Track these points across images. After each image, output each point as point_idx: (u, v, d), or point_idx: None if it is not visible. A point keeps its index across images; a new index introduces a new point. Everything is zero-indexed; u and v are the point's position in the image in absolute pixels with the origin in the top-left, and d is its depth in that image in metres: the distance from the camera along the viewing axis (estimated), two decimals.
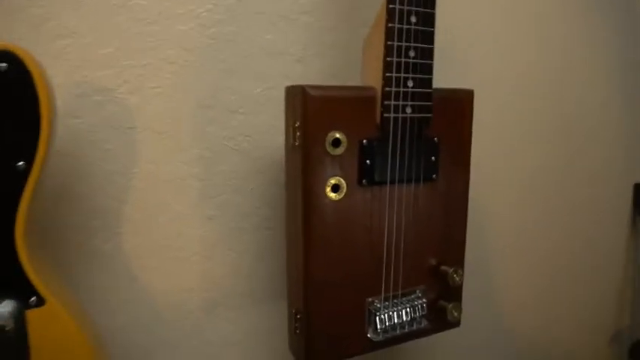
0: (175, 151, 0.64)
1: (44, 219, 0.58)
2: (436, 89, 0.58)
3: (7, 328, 0.42)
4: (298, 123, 0.53)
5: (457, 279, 0.62)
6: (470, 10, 0.83)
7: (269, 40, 0.67)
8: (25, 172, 0.42)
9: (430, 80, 0.56)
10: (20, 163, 0.42)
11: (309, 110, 0.52)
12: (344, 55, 0.71)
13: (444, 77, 0.64)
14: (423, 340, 0.66)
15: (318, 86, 0.54)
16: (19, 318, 0.44)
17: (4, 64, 0.41)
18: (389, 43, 0.53)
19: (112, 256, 0.63)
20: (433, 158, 0.60)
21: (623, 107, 1.09)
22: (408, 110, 0.56)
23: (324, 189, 0.54)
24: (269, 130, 0.69)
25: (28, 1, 0.56)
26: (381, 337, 0.59)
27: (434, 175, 0.60)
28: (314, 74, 0.70)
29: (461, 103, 0.62)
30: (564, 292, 1.09)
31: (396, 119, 0.55)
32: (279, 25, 0.68)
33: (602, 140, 1.07)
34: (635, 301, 1.19)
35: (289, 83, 0.56)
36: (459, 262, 0.65)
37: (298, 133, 0.53)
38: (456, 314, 0.64)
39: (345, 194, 0.55)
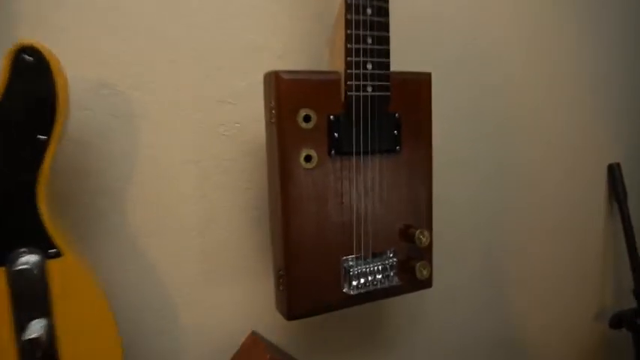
0: (172, 138, 0.74)
1: (58, 198, 0.68)
2: (397, 72, 0.67)
3: (34, 272, 0.51)
4: (273, 103, 0.62)
5: (424, 240, 0.70)
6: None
7: (251, 40, 0.77)
8: (45, 144, 0.52)
9: (387, 63, 0.65)
10: (42, 136, 0.52)
11: (282, 91, 0.62)
12: (319, 53, 0.80)
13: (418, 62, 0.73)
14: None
15: (289, 71, 0.63)
16: (41, 266, 0.53)
17: (30, 58, 0.51)
18: (348, 32, 0.62)
19: (119, 233, 0.72)
20: (395, 132, 0.68)
21: (597, 85, 1.16)
22: (369, 89, 0.65)
23: (298, 159, 0.63)
24: (255, 117, 0.78)
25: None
26: (355, 291, 0.67)
27: (397, 147, 0.69)
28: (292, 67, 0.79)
29: (419, 84, 0.71)
30: (547, 277, 1.16)
31: (358, 97, 0.64)
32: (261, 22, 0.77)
33: (576, 122, 1.14)
34: (615, 280, 1.24)
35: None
36: (426, 225, 0.72)
37: (273, 111, 0.62)
38: (425, 272, 0.71)
39: (317, 164, 0.64)
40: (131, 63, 0.71)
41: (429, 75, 0.71)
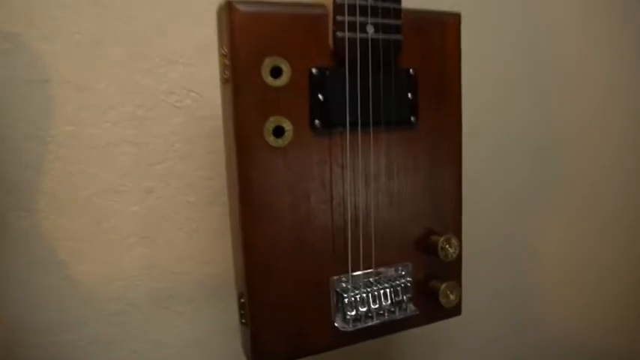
0: (101, 110, 0.54)
1: None
2: (411, 10, 0.46)
3: None
4: (225, 49, 0.42)
5: (451, 251, 0.49)
6: None
7: None
8: None
9: None
10: None
11: (237, 31, 0.41)
12: None
13: None
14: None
15: (251, 0, 0.42)
16: None
17: None
18: None
19: (29, 238, 0.52)
20: (410, 95, 0.47)
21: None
22: (370, 30, 0.43)
23: (263, 133, 0.42)
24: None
25: None
26: (352, 326, 0.46)
27: (412, 118, 0.47)
28: None
29: (443, 28, 0.49)
30: (596, 291, 0.94)
31: (353, 41, 0.43)
32: None
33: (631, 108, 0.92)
34: None
35: None
36: (453, 229, 0.51)
37: (227, 62, 0.42)
38: (452, 297, 0.50)
39: (292, 140, 0.43)
40: (41, 4, 0.51)
41: (457, 16, 0.50)
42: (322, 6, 0.43)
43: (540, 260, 0.86)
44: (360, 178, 0.46)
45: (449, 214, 0.51)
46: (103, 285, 0.55)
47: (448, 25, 0.49)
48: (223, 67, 0.43)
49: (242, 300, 0.45)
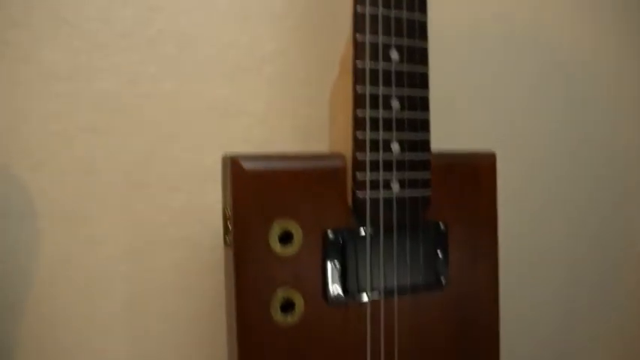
0: (92, 244, 0.48)
1: None
2: (438, 153, 0.41)
3: None
4: (230, 211, 0.36)
5: None
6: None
7: (222, 97, 0.52)
8: None
9: (427, 142, 0.39)
10: None
11: (242, 192, 0.35)
12: (317, 114, 0.54)
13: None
14: None
15: (257, 156, 0.37)
16: None
17: None
18: (359, 89, 0.36)
19: None
20: (440, 253, 0.41)
21: None
22: (395, 187, 0.38)
23: (269, 309, 0.36)
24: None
25: None
26: None
27: (442, 278, 0.41)
28: (280, 138, 0.54)
29: (478, 171, 0.43)
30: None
31: (375, 202, 0.37)
32: (235, 78, 0.53)
33: None
34: None
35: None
36: None
37: (230, 226, 0.36)
38: None
39: (303, 315, 0.37)
40: (30, 135, 0.47)
41: (491, 157, 0.44)
42: (340, 157, 0.38)
43: None
44: (380, 352, 0.39)
45: None
46: None
47: (482, 169, 0.43)
48: (226, 230, 0.37)
49: None
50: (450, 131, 0.56)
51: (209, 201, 0.51)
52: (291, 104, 0.54)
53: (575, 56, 0.71)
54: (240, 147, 0.52)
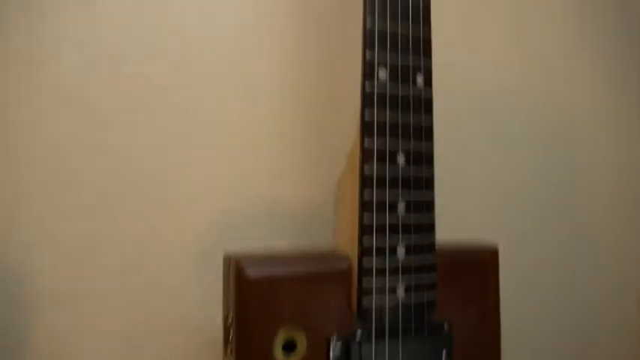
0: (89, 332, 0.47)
1: None
2: (441, 248, 0.40)
3: None
4: (230, 318, 0.35)
5: None
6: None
7: (222, 180, 0.52)
8: None
9: (432, 245, 0.38)
10: None
11: (246, 300, 0.34)
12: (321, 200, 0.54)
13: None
14: None
15: (261, 257, 0.36)
16: None
17: None
18: (365, 194, 0.36)
19: None
20: (444, 354, 0.40)
21: None
22: (400, 292, 0.37)
23: None
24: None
25: None
26: None
27: None
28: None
29: (481, 267, 0.43)
30: None
31: (381, 308, 0.37)
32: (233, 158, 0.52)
33: None
34: None
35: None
36: None
37: (232, 334, 0.35)
38: None
39: None
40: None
41: (494, 251, 0.44)
42: (345, 258, 0.38)
43: None
44: None
45: None
46: None
47: (485, 265, 0.43)
48: (227, 335, 0.36)
49: None
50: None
51: (207, 280, 0.50)
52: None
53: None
54: (243, 231, 0.51)
